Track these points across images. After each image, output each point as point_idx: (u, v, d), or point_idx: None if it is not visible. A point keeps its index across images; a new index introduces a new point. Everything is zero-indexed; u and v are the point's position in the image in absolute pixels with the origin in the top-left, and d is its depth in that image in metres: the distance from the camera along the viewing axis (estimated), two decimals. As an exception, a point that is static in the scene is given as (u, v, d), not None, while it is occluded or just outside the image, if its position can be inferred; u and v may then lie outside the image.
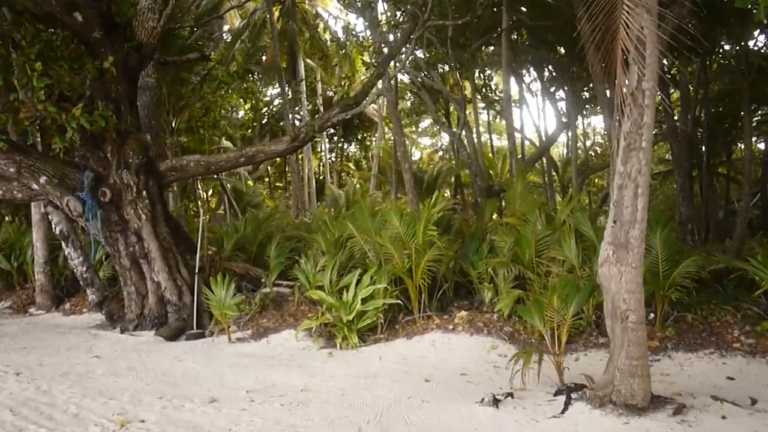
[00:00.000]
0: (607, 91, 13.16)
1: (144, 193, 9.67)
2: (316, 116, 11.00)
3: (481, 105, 27.80)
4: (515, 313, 8.26)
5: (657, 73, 5.14)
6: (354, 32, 18.92)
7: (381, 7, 17.58)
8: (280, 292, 11.09)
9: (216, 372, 6.83)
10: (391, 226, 9.23)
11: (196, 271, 9.93)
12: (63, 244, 10.69)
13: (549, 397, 5.61)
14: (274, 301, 10.33)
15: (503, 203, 15.26)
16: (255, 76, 25.07)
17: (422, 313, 8.83)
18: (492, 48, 24.84)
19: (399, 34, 17.43)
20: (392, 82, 15.51)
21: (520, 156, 34.07)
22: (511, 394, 5.63)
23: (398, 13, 18.35)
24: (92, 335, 9.31)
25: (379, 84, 14.17)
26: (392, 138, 39.04)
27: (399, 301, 8.59)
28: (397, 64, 14.49)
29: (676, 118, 32.11)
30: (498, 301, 8.49)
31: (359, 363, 7.34)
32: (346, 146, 46.12)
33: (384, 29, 16.27)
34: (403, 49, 13.56)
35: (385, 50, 15.57)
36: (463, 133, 19.30)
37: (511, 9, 17.25)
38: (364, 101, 11.91)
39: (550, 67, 22.76)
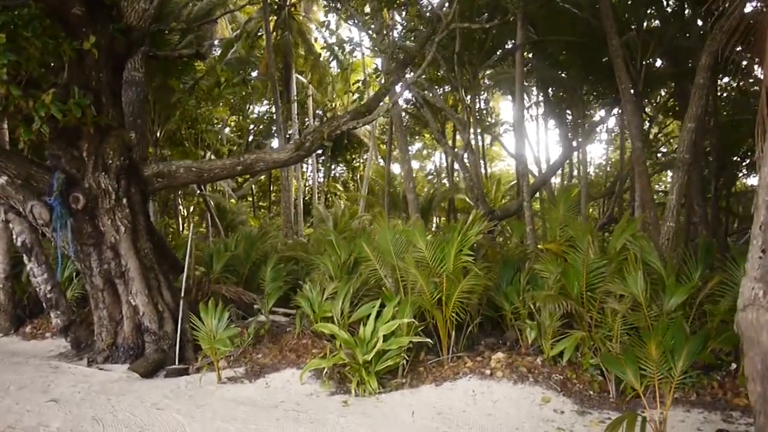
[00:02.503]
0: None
1: (124, 201, 8.22)
2: (325, 122, 9.63)
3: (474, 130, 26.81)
4: (562, 357, 6.98)
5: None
6: (356, 44, 17.56)
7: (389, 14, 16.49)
8: (276, 322, 9.68)
9: (207, 429, 5.37)
10: (415, 249, 7.89)
11: (182, 294, 8.48)
12: (25, 258, 9.13)
13: (657, 482, 4.26)
14: (270, 332, 8.91)
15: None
16: (246, 89, 23.74)
17: (451, 353, 7.46)
18: (488, 72, 23.95)
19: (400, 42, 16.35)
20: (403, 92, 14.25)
21: (514, 182, 33.10)
22: (608, 477, 4.26)
23: (399, 22, 17.26)
24: (53, 368, 7.75)
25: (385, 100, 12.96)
26: (382, 159, 37.95)
27: (428, 340, 7.21)
28: (410, 75, 13.24)
29: (675, 147, 31.40)
30: (544, 341, 7.17)
31: (384, 418, 5.91)
32: (333, 167, 45.01)
33: (394, 37, 15.12)
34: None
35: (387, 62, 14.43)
36: (465, 155, 18.08)
37: (524, 25, 16.26)
38: (377, 110, 10.63)
39: (551, 90, 21.89)
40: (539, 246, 8.43)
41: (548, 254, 8.04)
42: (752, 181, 27.78)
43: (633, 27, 16.16)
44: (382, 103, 10.95)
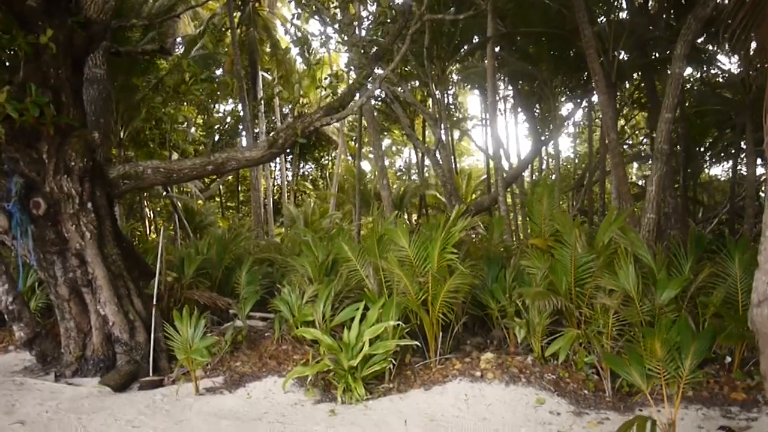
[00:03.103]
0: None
1: (89, 205, 7.75)
2: (297, 118, 9.29)
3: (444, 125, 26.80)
4: (556, 356, 6.79)
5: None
6: (326, 37, 17.14)
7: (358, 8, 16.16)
8: (253, 327, 9.31)
9: (188, 447, 5.02)
10: (396, 247, 7.63)
11: (153, 301, 8.06)
12: (-17, 269, 8.58)
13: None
14: (248, 338, 8.54)
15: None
16: (213, 86, 23.17)
17: (438, 355, 7.21)
18: (456, 66, 23.80)
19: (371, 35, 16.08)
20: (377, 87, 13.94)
21: (484, 176, 33.13)
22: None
23: (367, 16, 16.94)
24: (17, 385, 7.26)
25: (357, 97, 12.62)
26: (351, 156, 37.64)
27: (416, 342, 6.94)
28: (380, 71, 12.91)
29: (643, 139, 31.74)
30: (533, 339, 6.97)
31: (375, 427, 5.63)
32: (302, 165, 44.56)
33: (363, 31, 14.82)
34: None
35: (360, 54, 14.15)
36: (437, 150, 17.84)
37: (494, 17, 16.11)
38: (350, 105, 10.32)
39: (520, 83, 21.84)
40: (529, 241, 8.21)
41: (534, 249, 7.86)
42: (715, 171, 28.30)
43: (602, 18, 16.17)
44: (355, 98, 10.67)
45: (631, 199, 13.67)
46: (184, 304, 8.06)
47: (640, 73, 18.62)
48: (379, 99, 22.29)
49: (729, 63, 19.37)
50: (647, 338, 4.63)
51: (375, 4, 16.62)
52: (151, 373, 7.67)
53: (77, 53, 7.77)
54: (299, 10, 15.24)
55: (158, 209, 29.98)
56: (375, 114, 27.12)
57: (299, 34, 20.10)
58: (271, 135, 9.35)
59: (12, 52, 6.99)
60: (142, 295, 8.34)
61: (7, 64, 7.64)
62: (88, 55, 8.52)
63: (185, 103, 21.52)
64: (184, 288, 9.39)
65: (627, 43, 15.31)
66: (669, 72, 10.54)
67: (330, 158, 43.11)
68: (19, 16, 7.06)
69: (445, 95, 24.58)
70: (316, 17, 18.70)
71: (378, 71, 12.58)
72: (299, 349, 7.96)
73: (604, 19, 16.07)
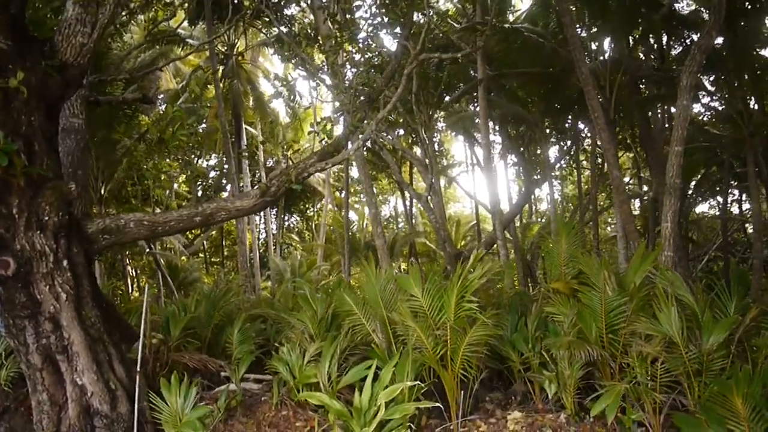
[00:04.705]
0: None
1: (64, 263, 6.97)
2: (290, 166, 8.71)
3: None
4: (589, 413, 6.06)
5: None
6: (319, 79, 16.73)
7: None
8: (248, 390, 8.48)
9: None
10: (407, 297, 6.94)
11: (138, 367, 7.23)
12: (-53, 337, 7.74)
13: None
14: (243, 403, 7.71)
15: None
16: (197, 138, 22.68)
17: (460, 417, 6.45)
18: (441, 113, 23.62)
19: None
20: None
21: (474, 222, 32.65)
22: None
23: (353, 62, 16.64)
24: (-19, 471, 6.39)
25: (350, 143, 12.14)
26: (337, 207, 37.15)
27: (437, 404, 6.17)
28: (369, 120, 12.44)
29: (628, 179, 31.69)
30: (565, 394, 6.26)
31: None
32: (286, 217, 44.00)
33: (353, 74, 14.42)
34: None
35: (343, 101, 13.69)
36: (429, 197, 17.33)
37: (484, 60, 15.91)
38: (346, 150, 9.77)
39: (509, 127, 21.64)
40: (550, 285, 7.55)
41: (556, 294, 7.21)
42: (702, 208, 28.26)
43: (597, 57, 16.05)
44: (350, 143, 10.14)
45: (638, 237, 13.20)
46: (172, 369, 7.29)
47: (623, 114, 18.45)
48: (366, 149, 21.89)
49: (711, 99, 19.36)
50: (723, 392, 3.97)
51: (360, 55, 16.38)
52: (135, 450, 6.80)
53: (52, 99, 7.11)
54: (281, 63, 14.88)
55: (141, 267, 29.06)
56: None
57: (285, 83, 19.76)
58: (263, 182, 8.72)
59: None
60: (124, 361, 7.50)
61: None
62: (64, 102, 7.89)
63: (168, 156, 20.98)
64: (171, 350, 8.57)
65: (621, 81, 15.13)
66: (676, 105, 10.19)
67: (315, 209, 42.66)
68: (-13, 58, 6.46)
69: (433, 142, 24.36)
70: (300, 68, 18.35)
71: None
72: (301, 414, 7.15)
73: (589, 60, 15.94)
